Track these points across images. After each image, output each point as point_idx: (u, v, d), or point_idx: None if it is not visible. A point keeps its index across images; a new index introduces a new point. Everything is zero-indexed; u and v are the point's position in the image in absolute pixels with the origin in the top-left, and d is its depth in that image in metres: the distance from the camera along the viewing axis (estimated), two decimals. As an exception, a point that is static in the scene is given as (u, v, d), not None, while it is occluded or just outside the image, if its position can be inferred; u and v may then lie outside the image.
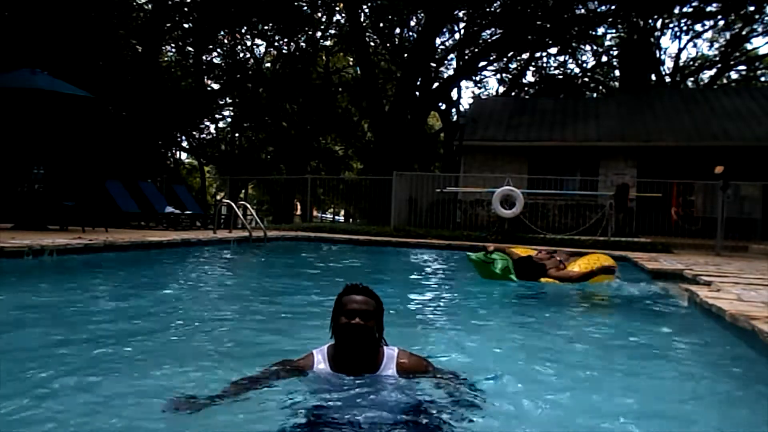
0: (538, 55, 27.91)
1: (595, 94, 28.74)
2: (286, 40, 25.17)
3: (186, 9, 20.97)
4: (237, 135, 30.07)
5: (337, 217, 36.65)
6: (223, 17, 21.05)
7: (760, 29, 26.19)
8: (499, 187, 13.50)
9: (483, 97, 29.52)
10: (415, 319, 4.95)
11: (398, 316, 4.41)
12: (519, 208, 13.11)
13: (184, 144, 28.44)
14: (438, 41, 24.71)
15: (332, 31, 26.73)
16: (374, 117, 23.70)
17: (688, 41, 28.77)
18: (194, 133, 26.78)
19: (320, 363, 2.56)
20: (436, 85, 25.40)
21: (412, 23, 25.36)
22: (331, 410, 2.29)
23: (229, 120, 29.70)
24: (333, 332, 2.56)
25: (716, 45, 29.05)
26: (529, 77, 30.10)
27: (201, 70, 24.70)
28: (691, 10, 23.98)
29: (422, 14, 23.16)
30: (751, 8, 23.69)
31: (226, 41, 25.07)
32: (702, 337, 4.35)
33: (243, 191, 23.80)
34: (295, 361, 2.64)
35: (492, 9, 22.52)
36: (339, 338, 2.53)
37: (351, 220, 31.79)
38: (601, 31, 26.07)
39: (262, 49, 27.73)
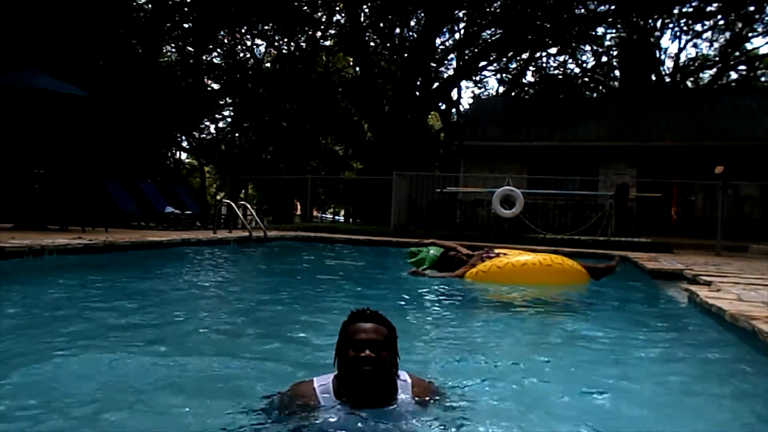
0: (538, 55, 27.89)
1: (595, 94, 28.72)
2: (286, 40, 25.20)
3: (186, 9, 21.00)
4: (237, 135, 30.07)
5: (337, 217, 36.66)
6: (223, 17, 21.08)
7: (760, 29, 26.22)
8: (499, 187, 13.49)
9: (483, 97, 29.56)
10: (414, 318, 4.95)
11: (397, 315, 4.40)
12: (519, 208, 13.11)
13: (184, 144, 28.50)
14: (438, 41, 24.74)
15: (332, 31, 26.76)
16: (374, 117, 23.72)
17: (688, 41, 28.77)
18: (194, 133, 26.83)
19: (323, 393, 2.20)
20: (436, 85, 25.41)
21: (412, 23, 25.37)
22: None
23: (229, 120, 29.74)
24: (339, 365, 2.24)
25: (716, 45, 29.07)
26: (529, 77, 30.11)
27: (201, 70, 24.72)
28: (691, 10, 24.00)
29: (422, 14, 23.18)
30: (751, 8, 23.71)
31: (226, 41, 25.10)
32: (702, 337, 4.34)
33: (243, 191, 23.81)
34: (293, 389, 2.26)
35: (492, 9, 22.54)
36: (347, 373, 2.19)
37: (351, 220, 31.81)
38: (601, 31, 26.09)
39: (262, 49, 27.80)
